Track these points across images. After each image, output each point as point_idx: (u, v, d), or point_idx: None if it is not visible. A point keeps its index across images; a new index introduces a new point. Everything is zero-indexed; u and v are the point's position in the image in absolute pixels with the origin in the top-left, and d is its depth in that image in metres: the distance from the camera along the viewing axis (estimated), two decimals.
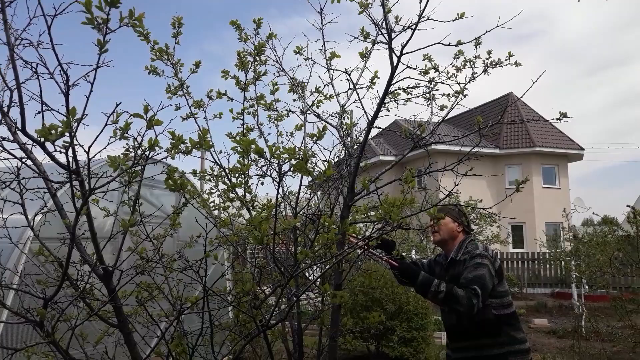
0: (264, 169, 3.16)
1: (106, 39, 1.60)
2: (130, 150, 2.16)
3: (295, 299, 2.26)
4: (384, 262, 2.88)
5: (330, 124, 3.32)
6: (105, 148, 1.62)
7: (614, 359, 7.41)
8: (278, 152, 1.69)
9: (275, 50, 3.72)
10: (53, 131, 1.40)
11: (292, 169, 1.79)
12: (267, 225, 1.65)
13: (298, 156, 1.62)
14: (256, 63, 3.26)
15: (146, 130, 1.69)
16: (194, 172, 4.07)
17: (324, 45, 3.55)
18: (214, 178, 3.65)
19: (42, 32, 2.02)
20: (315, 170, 3.05)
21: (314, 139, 1.84)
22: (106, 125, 1.63)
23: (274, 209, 1.89)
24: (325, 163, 3.26)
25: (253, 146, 1.71)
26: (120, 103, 1.59)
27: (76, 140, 1.58)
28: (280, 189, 3.34)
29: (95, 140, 1.62)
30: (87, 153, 1.61)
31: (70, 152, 1.84)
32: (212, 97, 3.45)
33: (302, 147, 3.05)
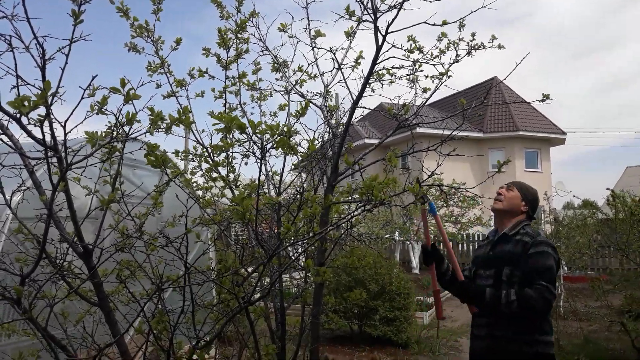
0: (247, 146, 3.13)
1: (81, 9, 1.55)
2: (113, 128, 2.12)
3: (277, 275, 2.27)
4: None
5: (315, 104, 3.30)
6: (82, 123, 1.58)
7: (590, 337, 7.58)
8: (260, 127, 1.67)
9: (258, 28, 3.67)
10: (26, 102, 1.36)
11: (274, 145, 1.78)
12: (249, 202, 1.64)
13: (281, 132, 1.60)
14: (238, 41, 3.21)
15: (123, 105, 1.66)
16: (177, 152, 4.02)
17: (309, 24, 3.51)
18: (197, 158, 3.61)
19: (17, 3, 1.96)
20: (299, 149, 3.04)
21: (297, 117, 1.82)
22: (82, 98, 1.59)
23: (257, 188, 1.88)
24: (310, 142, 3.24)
25: (235, 122, 1.69)
26: (97, 76, 1.55)
27: (53, 116, 1.55)
28: (263, 167, 3.32)
29: (71, 114, 1.58)
30: (64, 127, 1.57)
31: (47, 128, 1.81)
32: (193, 76, 3.40)
33: (285, 124, 3.03)
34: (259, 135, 1.80)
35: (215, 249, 5.76)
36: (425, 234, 3.01)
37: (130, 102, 1.65)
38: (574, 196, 10.58)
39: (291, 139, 1.68)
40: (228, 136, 3.10)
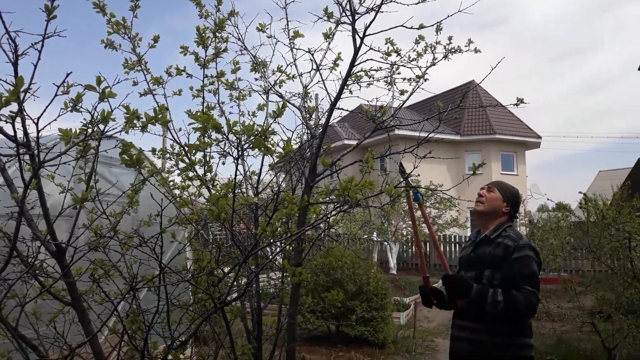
0: (223, 145, 3.12)
1: (54, 5, 1.53)
2: (88, 125, 2.10)
3: (254, 275, 2.27)
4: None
5: (293, 105, 3.30)
6: (55, 120, 1.56)
7: (562, 337, 7.74)
8: (235, 128, 1.67)
9: (237, 27, 3.66)
10: None
11: (250, 145, 1.78)
12: (224, 201, 1.64)
13: (256, 132, 1.60)
14: (217, 40, 3.20)
15: (98, 103, 1.64)
16: (154, 150, 3.99)
17: (287, 25, 3.52)
18: (174, 156, 3.58)
19: None
20: (276, 150, 3.04)
21: (274, 117, 1.83)
22: (56, 95, 1.57)
23: (234, 188, 1.88)
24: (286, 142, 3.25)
25: (211, 122, 1.69)
26: (71, 72, 1.53)
27: (25, 112, 1.52)
28: (240, 167, 3.32)
29: (44, 111, 1.56)
30: (36, 125, 1.55)
31: (19, 125, 1.78)
32: (171, 74, 3.37)
33: (262, 125, 3.03)
34: (236, 135, 1.80)
35: (191, 249, 5.72)
36: (420, 259, 3.00)
37: (105, 99, 1.64)
38: (548, 199, 10.80)
39: (268, 139, 1.68)
40: (205, 135, 3.09)
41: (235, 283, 1.97)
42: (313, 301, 5.39)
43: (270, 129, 1.81)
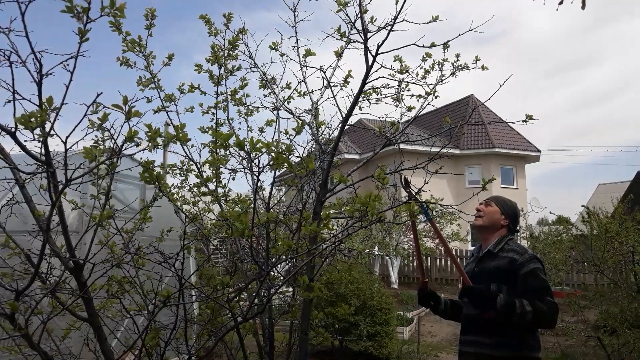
0: (244, 162, 3.15)
1: (87, 27, 1.57)
2: (100, 142, 2.13)
3: (272, 291, 2.28)
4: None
5: (304, 121, 3.34)
6: (82, 139, 1.59)
7: (567, 352, 7.72)
8: (258, 145, 1.70)
9: (247, 45, 3.72)
10: (33, 119, 1.37)
11: (271, 162, 1.81)
12: (247, 217, 1.67)
13: (280, 149, 1.64)
14: (230, 57, 3.25)
15: (125, 122, 1.68)
16: (162, 166, 4.02)
17: (297, 43, 3.57)
18: (184, 172, 3.61)
19: (14, 18, 1.97)
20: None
21: (291, 134, 1.87)
22: (85, 115, 1.61)
23: (251, 203, 1.90)
24: (297, 159, 3.28)
25: (234, 139, 1.72)
26: (102, 93, 1.57)
27: (54, 131, 1.56)
28: (258, 183, 3.33)
29: (73, 130, 1.59)
30: (65, 144, 1.58)
31: (37, 142, 1.81)
32: (183, 91, 3.42)
33: (281, 142, 3.06)
34: (255, 152, 1.83)
35: (195, 264, 5.72)
36: (419, 267, 3.01)
37: (131, 119, 1.67)
38: (550, 212, 10.82)
39: (290, 155, 1.72)
40: (218, 152, 3.12)
41: (256, 299, 1.99)
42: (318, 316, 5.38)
43: (288, 146, 1.84)
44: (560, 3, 1.22)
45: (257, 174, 1.83)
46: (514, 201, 3.02)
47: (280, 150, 1.62)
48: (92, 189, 2.49)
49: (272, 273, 3.63)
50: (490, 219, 2.86)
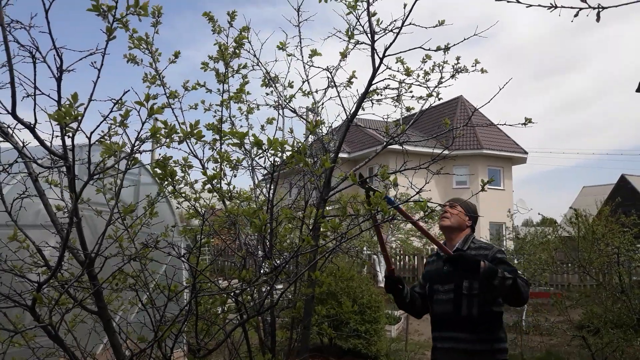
0: (249, 159, 3.20)
1: (114, 26, 1.61)
2: (106, 137, 2.17)
3: (287, 286, 2.34)
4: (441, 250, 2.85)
5: (318, 121, 3.38)
6: (108, 133, 1.63)
7: (552, 351, 7.88)
8: (276, 144, 1.75)
9: (250, 43, 3.75)
10: (68, 116, 1.41)
11: (287, 161, 1.86)
12: (265, 214, 1.72)
13: (296, 148, 1.69)
14: (234, 56, 3.29)
15: (147, 118, 1.72)
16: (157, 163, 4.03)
17: (301, 42, 3.62)
18: (185, 169, 3.64)
19: (34, 15, 2.00)
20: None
21: (309, 133, 1.92)
22: (111, 111, 1.65)
23: (267, 201, 1.95)
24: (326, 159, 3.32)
25: (252, 138, 1.77)
26: (128, 91, 1.61)
27: (81, 129, 1.59)
28: (256, 178, 3.38)
29: (98, 126, 1.63)
30: (89, 139, 1.62)
31: (50, 136, 1.84)
32: (187, 88, 3.46)
33: (297, 140, 3.09)
34: (271, 151, 1.89)
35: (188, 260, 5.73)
36: (385, 258, 3.03)
37: (153, 115, 1.71)
38: (538, 214, 10.95)
39: (306, 154, 1.78)
40: (222, 148, 3.15)
41: (269, 294, 2.04)
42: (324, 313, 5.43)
43: (304, 145, 1.89)
44: (576, 15, 1.29)
45: (271, 172, 1.88)
46: (474, 204, 3.17)
47: (297, 149, 1.67)
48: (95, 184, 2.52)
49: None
50: (457, 220, 3.01)
